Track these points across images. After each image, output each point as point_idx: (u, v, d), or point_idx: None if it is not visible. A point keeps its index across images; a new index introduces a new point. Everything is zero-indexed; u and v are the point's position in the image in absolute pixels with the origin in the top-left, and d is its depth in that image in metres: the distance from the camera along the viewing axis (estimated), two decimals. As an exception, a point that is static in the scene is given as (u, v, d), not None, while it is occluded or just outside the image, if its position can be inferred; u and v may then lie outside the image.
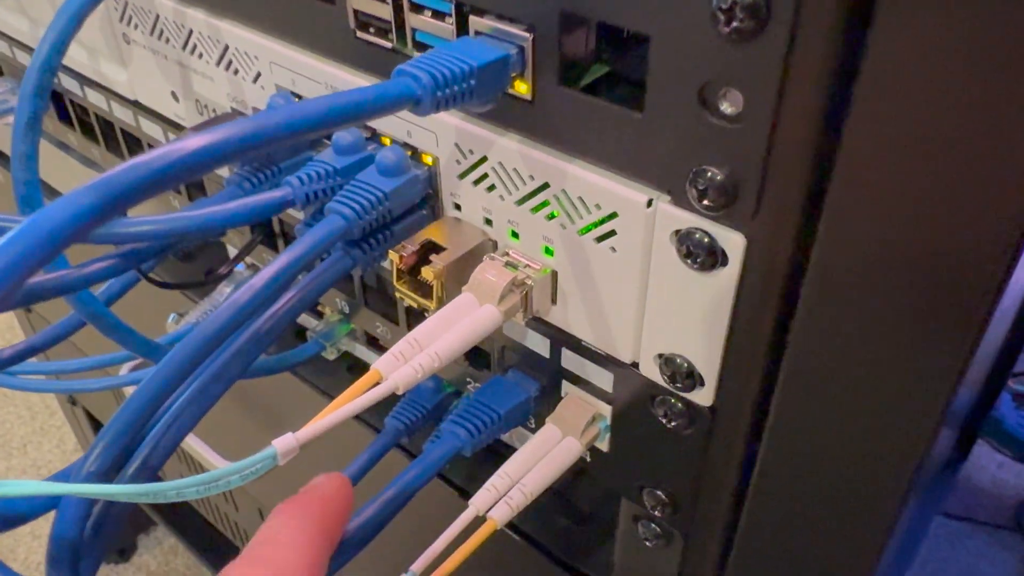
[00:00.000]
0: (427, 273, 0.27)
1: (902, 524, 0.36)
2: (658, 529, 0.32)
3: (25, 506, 0.23)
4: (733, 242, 0.23)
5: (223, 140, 0.18)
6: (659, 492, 0.30)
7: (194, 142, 0.18)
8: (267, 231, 0.41)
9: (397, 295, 0.29)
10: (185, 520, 0.89)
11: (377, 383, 0.24)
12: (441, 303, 0.28)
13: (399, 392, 0.24)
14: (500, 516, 0.29)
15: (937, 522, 1.13)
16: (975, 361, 0.22)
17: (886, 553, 0.28)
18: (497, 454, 0.36)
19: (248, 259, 0.44)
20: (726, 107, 0.21)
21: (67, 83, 0.46)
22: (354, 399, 0.23)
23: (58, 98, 0.49)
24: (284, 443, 0.20)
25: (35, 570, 1.04)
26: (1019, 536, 1.10)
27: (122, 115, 0.43)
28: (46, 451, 1.21)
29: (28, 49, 0.47)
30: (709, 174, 0.22)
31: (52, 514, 0.24)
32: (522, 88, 0.25)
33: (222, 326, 0.26)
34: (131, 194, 0.17)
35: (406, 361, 0.25)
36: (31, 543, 1.09)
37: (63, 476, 0.25)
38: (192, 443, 0.54)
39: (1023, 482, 1.14)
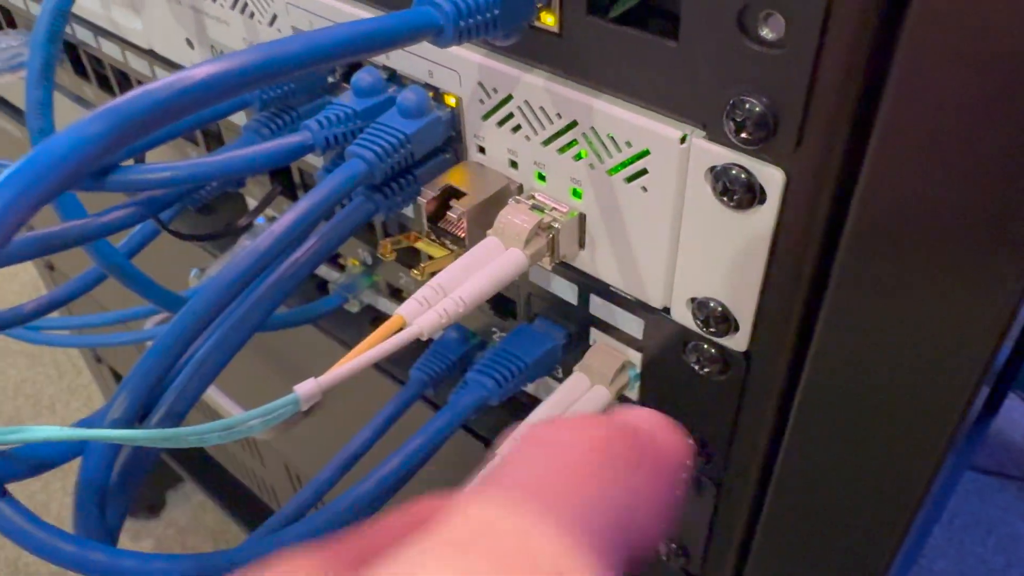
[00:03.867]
0: (449, 218, 0.27)
1: (939, 476, 0.35)
2: (689, 479, 0.31)
3: (51, 451, 0.23)
4: (772, 178, 0.22)
5: (233, 68, 0.17)
6: (691, 440, 0.30)
7: (203, 70, 0.17)
8: (287, 182, 0.40)
9: (420, 245, 0.29)
10: (213, 476, 0.90)
11: (400, 329, 0.23)
12: (465, 249, 0.27)
13: (423, 338, 0.24)
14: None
15: (967, 476, 1.12)
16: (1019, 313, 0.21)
17: (924, 504, 0.27)
18: (523, 406, 0.36)
19: (269, 212, 0.44)
20: (767, 32, 0.20)
21: (81, 34, 0.45)
22: (377, 344, 0.22)
23: (73, 50, 0.48)
24: (306, 388, 0.20)
25: (67, 525, 1.06)
26: (1049, 491, 1.09)
27: (137, 65, 0.43)
28: (74, 410, 1.23)
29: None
30: (748, 105, 0.21)
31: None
32: (549, 19, 0.24)
33: (243, 272, 0.25)
34: (139, 122, 0.16)
35: (430, 306, 0.24)
36: (63, 499, 1.11)
37: (88, 423, 0.25)
38: (217, 398, 0.54)
39: (1054, 437, 1.12)
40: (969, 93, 0.18)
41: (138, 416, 0.24)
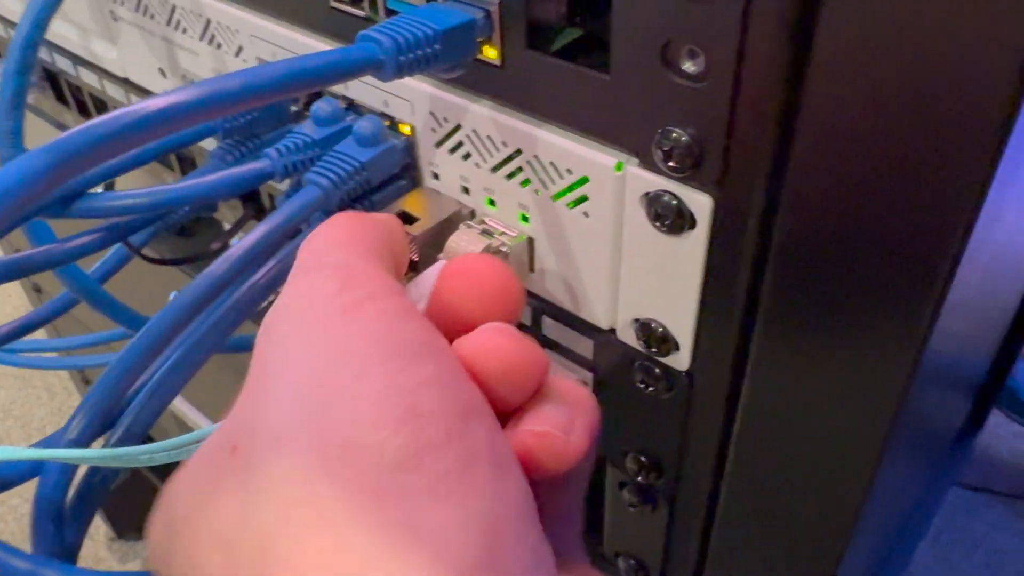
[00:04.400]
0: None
1: (894, 483, 0.36)
2: (643, 495, 0.32)
3: (8, 471, 0.24)
4: (700, 204, 0.23)
5: (179, 102, 0.18)
6: (642, 457, 0.31)
7: (151, 104, 0.18)
8: (258, 207, 0.41)
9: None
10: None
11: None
12: (418, 272, 0.28)
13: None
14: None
15: (953, 492, 1.12)
16: (963, 316, 0.22)
17: (869, 513, 0.28)
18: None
19: (243, 234, 0.44)
20: (689, 66, 0.21)
21: (61, 63, 0.46)
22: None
23: (54, 78, 0.49)
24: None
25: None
26: (1034, 506, 1.09)
27: (114, 93, 0.44)
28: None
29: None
30: (675, 135, 0.22)
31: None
32: (491, 53, 0.25)
33: (199, 295, 0.26)
34: (85, 154, 0.17)
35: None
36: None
37: (46, 444, 0.26)
38: (200, 421, 0.55)
39: (1039, 452, 1.13)
40: (877, 122, 0.19)
41: (96, 435, 0.25)
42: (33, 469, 0.24)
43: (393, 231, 0.21)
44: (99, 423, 0.25)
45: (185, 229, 0.52)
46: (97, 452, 0.20)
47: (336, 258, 0.18)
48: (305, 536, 0.14)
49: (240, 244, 0.26)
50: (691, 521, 0.32)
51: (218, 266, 0.26)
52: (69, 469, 0.24)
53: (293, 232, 0.28)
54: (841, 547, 0.28)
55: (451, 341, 0.18)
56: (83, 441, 0.24)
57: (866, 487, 0.26)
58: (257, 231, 0.27)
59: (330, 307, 0.17)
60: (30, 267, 0.29)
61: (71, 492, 0.24)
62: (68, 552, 0.24)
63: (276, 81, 0.20)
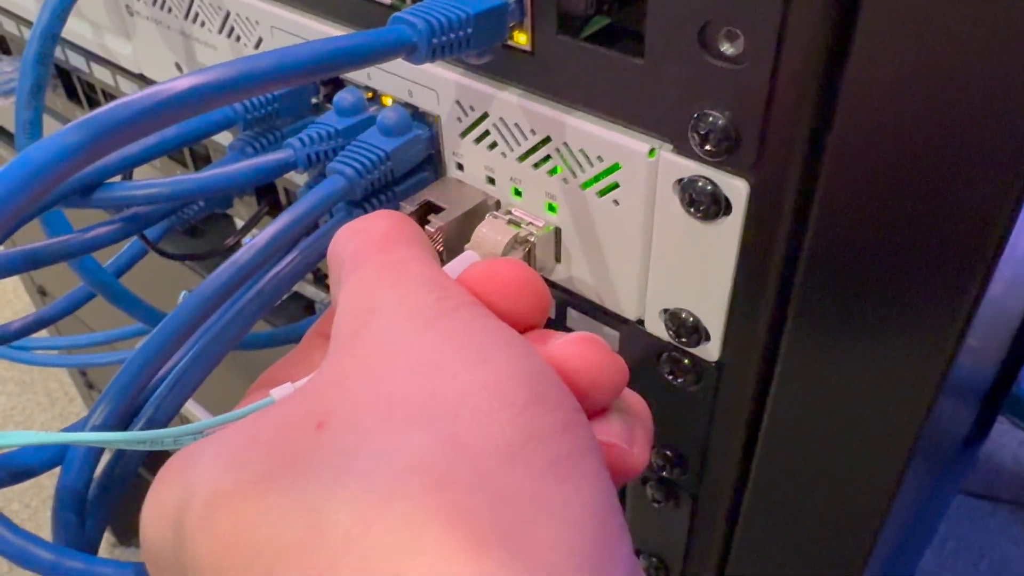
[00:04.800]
0: (427, 233, 0.27)
1: (912, 487, 0.35)
2: (666, 490, 0.32)
3: (31, 458, 0.23)
4: (736, 189, 0.22)
5: (210, 81, 0.18)
6: (667, 452, 0.30)
7: (182, 82, 0.18)
8: (273, 201, 0.40)
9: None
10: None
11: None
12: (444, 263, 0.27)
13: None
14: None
15: (958, 500, 1.12)
16: (983, 323, 0.22)
17: (893, 514, 0.27)
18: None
19: (256, 232, 0.44)
20: (727, 48, 0.21)
21: (74, 60, 0.46)
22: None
23: (66, 76, 0.49)
24: (282, 392, 0.20)
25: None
26: (1041, 514, 1.08)
27: (128, 89, 0.43)
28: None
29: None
30: (711, 118, 0.22)
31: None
32: (521, 39, 0.24)
33: (222, 285, 0.25)
34: (117, 132, 0.17)
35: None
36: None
37: (67, 431, 0.25)
38: (200, 414, 0.54)
39: (1045, 460, 1.13)
40: (914, 111, 0.19)
41: (119, 426, 0.24)
42: (55, 458, 0.24)
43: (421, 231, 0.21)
44: (121, 413, 0.24)
45: (195, 228, 0.52)
46: (123, 435, 0.20)
47: (403, 254, 0.18)
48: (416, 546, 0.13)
49: (264, 233, 0.26)
50: (714, 519, 0.32)
51: (242, 254, 0.26)
52: (92, 459, 0.24)
53: (316, 223, 0.28)
54: (867, 549, 0.27)
55: None
56: (106, 429, 0.24)
57: (894, 488, 0.25)
58: (281, 220, 0.26)
59: (436, 306, 0.17)
60: (48, 258, 0.28)
61: (93, 482, 0.24)
62: (89, 544, 0.24)
63: (309, 61, 0.20)
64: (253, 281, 0.27)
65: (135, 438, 0.19)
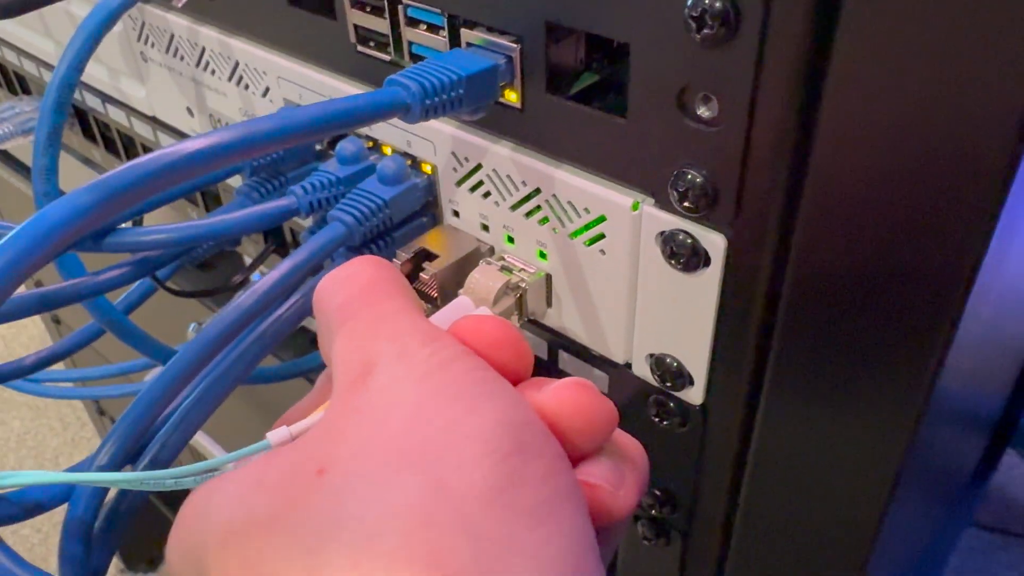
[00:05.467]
0: (422, 279, 0.28)
1: (909, 521, 0.36)
2: (656, 528, 0.32)
3: (40, 496, 0.24)
4: (714, 243, 0.23)
5: (217, 143, 0.19)
6: (656, 491, 0.31)
7: (190, 145, 0.19)
8: (280, 241, 0.42)
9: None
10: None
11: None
12: (438, 308, 0.28)
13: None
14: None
15: (969, 533, 1.11)
16: (982, 357, 0.23)
17: (883, 551, 0.28)
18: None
19: (264, 268, 0.45)
20: (703, 111, 0.22)
21: (91, 101, 0.48)
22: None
23: (83, 115, 0.51)
24: (278, 436, 0.21)
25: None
26: (1051, 548, 1.08)
27: (142, 130, 0.45)
28: (77, 462, 1.23)
29: (53, 69, 0.49)
30: (689, 176, 0.23)
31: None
32: (512, 97, 0.26)
33: (227, 327, 0.27)
34: (128, 191, 0.18)
35: (402, 361, 0.26)
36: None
37: (75, 470, 0.26)
38: (214, 451, 0.55)
39: (1055, 493, 1.12)
40: (879, 169, 0.20)
41: (124, 463, 0.26)
42: (63, 495, 0.25)
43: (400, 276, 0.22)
44: (127, 451, 0.25)
45: (204, 263, 0.54)
46: (126, 476, 0.21)
47: (390, 307, 0.19)
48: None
49: (267, 278, 0.27)
50: (704, 556, 0.32)
51: (246, 298, 0.27)
52: (98, 495, 0.25)
53: (317, 267, 0.29)
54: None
55: None
56: (112, 468, 0.25)
57: (878, 524, 0.26)
58: (283, 266, 0.27)
59: (431, 360, 0.18)
60: (62, 299, 0.30)
61: (99, 517, 0.25)
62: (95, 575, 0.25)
63: (308, 124, 0.21)
64: (256, 323, 0.28)
65: (137, 479, 0.20)
